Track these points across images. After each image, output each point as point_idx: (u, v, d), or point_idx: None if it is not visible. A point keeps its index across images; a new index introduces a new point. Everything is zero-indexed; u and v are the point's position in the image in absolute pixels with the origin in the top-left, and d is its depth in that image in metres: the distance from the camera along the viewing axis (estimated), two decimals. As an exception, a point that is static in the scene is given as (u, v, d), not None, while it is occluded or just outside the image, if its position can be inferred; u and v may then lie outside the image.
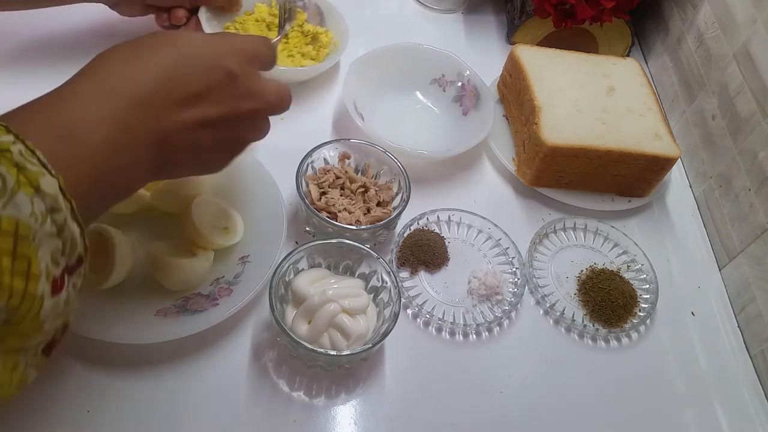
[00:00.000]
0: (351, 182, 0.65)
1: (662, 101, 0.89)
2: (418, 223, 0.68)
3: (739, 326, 0.69)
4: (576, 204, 0.74)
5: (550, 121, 0.71)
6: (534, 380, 0.61)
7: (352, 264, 0.60)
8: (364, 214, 0.63)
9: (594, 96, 0.76)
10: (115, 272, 0.52)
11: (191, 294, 0.57)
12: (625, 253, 0.71)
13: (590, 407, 0.60)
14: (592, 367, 0.63)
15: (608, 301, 0.65)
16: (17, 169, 0.32)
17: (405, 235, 0.66)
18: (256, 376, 0.55)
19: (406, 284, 0.64)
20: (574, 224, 0.72)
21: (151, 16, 0.72)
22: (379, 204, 0.65)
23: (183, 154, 0.45)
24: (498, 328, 0.63)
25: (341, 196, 0.64)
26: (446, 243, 0.67)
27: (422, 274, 0.65)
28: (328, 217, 0.61)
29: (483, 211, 0.69)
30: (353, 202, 0.64)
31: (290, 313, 0.56)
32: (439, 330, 0.62)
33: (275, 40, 0.55)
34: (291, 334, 0.52)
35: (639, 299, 0.67)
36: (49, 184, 0.34)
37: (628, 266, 0.70)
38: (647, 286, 0.68)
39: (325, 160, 0.67)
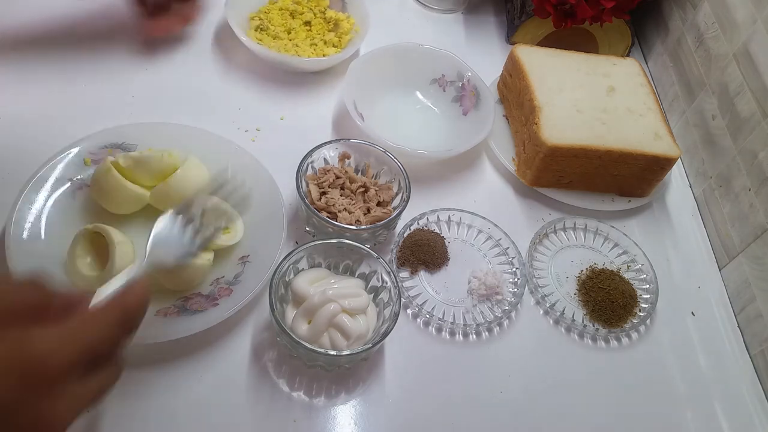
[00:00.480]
0: (351, 182, 0.65)
1: (662, 101, 0.89)
2: (418, 223, 0.68)
3: (739, 326, 0.69)
4: (576, 204, 0.74)
5: (550, 121, 0.71)
6: (534, 380, 0.61)
7: (352, 264, 0.60)
8: (364, 214, 0.63)
9: (594, 96, 0.76)
10: (115, 272, 0.52)
11: (191, 294, 0.57)
12: (625, 253, 0.71)
13: (590, 407, 0.60)
14: (592, 367, 0.63)
15: (608, 301, 0.65)
16: None
17: (405, 235, 0.66)
18: (256, 376, 0.55)
19: (406, 284, 0.64)
20: (574, 224, 0.72)
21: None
22: (379, 204, 0.65)
23: None
24: (498, 328, 0.63)
25: (341, 196, 0.64)
26: (446, 243, 0.67)
27: (422, 274, 0.65)
28: (328, 217, 0.61)
29: (483, 211, 0.69)
30: (353, 202, 0.64)
31: (290, 313, 0.56)
32: (439, 330, 0.62)
33: (112, 288, 0.42)
34: (291, 334, 0.52)
35: (639, 299, 0.67)
36: None
37: (628, 266, 0.70)
38: (647, 286, 0.68)
39: (325, 160, 0.67)
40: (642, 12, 0.95)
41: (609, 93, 0.76)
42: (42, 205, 0.58)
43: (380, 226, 0.62)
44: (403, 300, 0.61)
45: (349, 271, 0.60)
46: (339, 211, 0.62)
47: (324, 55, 0.79)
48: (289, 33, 0.81)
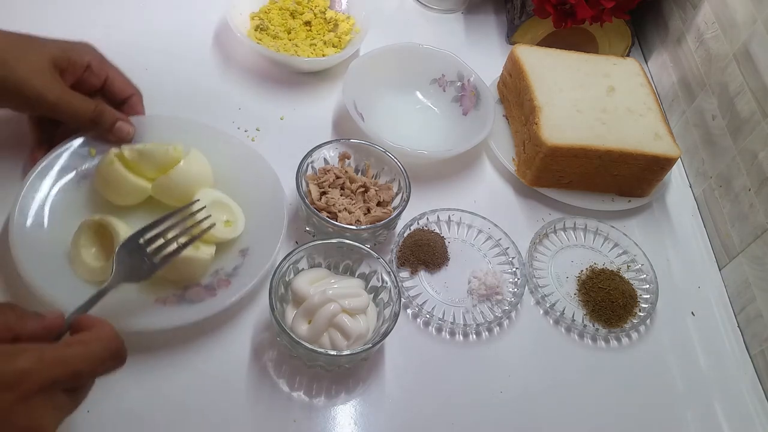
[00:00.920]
0: (351, 182, 0.65)
1: (662, 101, 0.89)
2: (418, 223, 0.68)
3: (739, 326, 0.69)
4: (576, 204, 0.74)
5: (550, 121, 0.71)
6: (534, 380, 0.61)
7: (352, 264, 0.60)
8: (364, 214, 0.63)
9: (594, 96, 0.76)
10: None
11: (191, 285, 0.57)
12: (625, 253, 0.71)
13: (590, 407, 0.60)
14: (592, 367, 0.63)
15: (608, 301, 0.65)
16: None
17: (405, 235, 0.66)
18: (256, 376, 0.55)
19: (406, 284, 0.64)
20: (574, 224, 0.72)
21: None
22: (379, 204, 0.65)
23: None
24: (498, 328, 0.63)
25: (341, 196, 0.64)
26: (446, 243, 0.67)
27: (422, 274, 0.65)
28: (328, 217, 0.61)
29: (483, 211, 0.69)
30: (353, 202, 0.64)
31: (290, 313, 0.56)
32: (439, 330, 0.62)
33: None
34: (291, 334, 0.52)
35: (639, 299, 0.67)
36: None
37: (628, 266, 0.70)
38: (647, 286, 0.68)
39: (325, 160, 0.67)
40: (642, 12, 0.95)
41: (609, 93, 0.76)
42: (46, 193, 0.59)
43: (380, 226, 0.62)
44: (403, 300, 0.61)
45: (349, 271, 0.60)
46: (339, 211, 0.62)
47: (324, 55, 0.79)
48: (289, 33, 0.81)
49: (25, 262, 0.53)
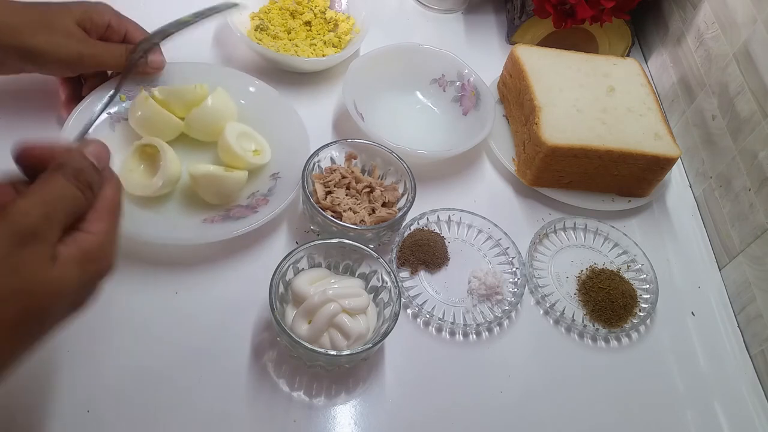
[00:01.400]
0: (357, 182, 0.65)
1: (662, 101, 0.89)
2: (418, 223, 0.68)
3: (739, 326, 0.69)
4: (576, 204, 0.74)
5: (550, 121, 0.71)
6: (534, 380, 0.61)
7: (352, 264, 0.60)
8: (369, 214, 0.63)
9: (594, 96, 0.76)
10: (167, 176, 0.60)
11: (232, 206, 0.63)
12: (625, 253, 0.71)
13: (590, 407, 0.60)
14: (592, 367, 0.63)
15: (608, 301, 0.65)
16: None
17: (405, 235, 0.66)
18: (256, 376, 0.55)
19: (406, 284, 0.64)
20: (574, 224, 0.72)
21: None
22: (384, 205, 0.65)
23: None
24: (498, 328, 0.63)
25: (347, 195, 0.64)
26: (446, 243, 0.67)
27: (422, 274, 0.65)
28: (333, 217, 0.61)
29: (483, 211, 0.69)
30: (358, 201, 0.64)
31: (290, 312, 0.56)
32: (439, 330, 0.62)
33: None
34: (291, 334, 0.52)
35: (639, 299, 0.67)
36: None
37: (628, 266, 0.70)
38: (647, 286, 0.68)
39: (331, 159, 0.67)
40: (642, 12, 0.95)
41: (609, 93, 0.76)
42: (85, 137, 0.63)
43: (385, 226, 0.62)
44: (403, 300, 0.61)
45: (350, 271, 0.60)
46: (344, 211, 0.62)
47: (324, 55, 0.79)
48: (289, 33, 0.81)
49: None
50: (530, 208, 0.74)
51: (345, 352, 0.52)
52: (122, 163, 0.62)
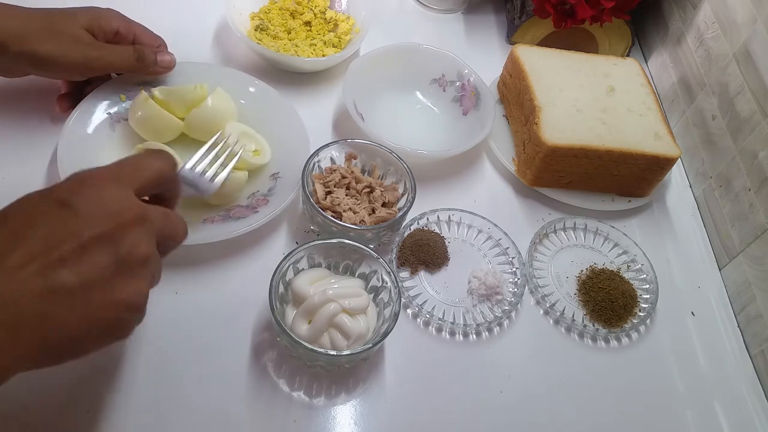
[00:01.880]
0: (357, 182, 0.65)
1: (662, 101, 0.89)
2: (418, 223, 0.68)
3: (739, 326, 0.69)
4: (576, 204, 0.74)
5: (550, 121, 0.71)
6: (534, 380, 0.61)
7: (352, 264, 0.59)
8: (369, 215, 0.63)
9: (594, 96, 0.76)
10: None
11: (233, 206, 0.64)
12: (625, 253, 0.71)
13: (590, 407, 0.60)
14: (592, 367, 0.63)
15: (608, 301, 0.65)
16: None
17: (405, 235, 0.66)
18: (256, 376, 0.55)
19: (406, 284, 0.64)
20: (574, 224, 0.72)
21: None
22: (384, 205, 0.65)
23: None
24: (498, 328, 0.63)
25: (347, 195, 0.64)
26: (446, 243, 0.67)
27: (422, 274, 0.65)
28: (333, 217, 0.61)
29: (483, 211, 0.69)
30: (358, 202, 0.64)
31: (290, 313, 0.56)
32: (439, 330, 0.62)
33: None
34: (291, 334, 0.52)
35: (639, 299, 0.67)
36: None
37: (628, 266, 0.70)
38: (647, 286, 0.68)
39: (331, 159, 0.67)
40: (642, 12, 0.95)
41: (609, 93, 0.76)
42: (84, 137, 0.64)
43: (385, 226, 0.62)
44: (403, 300, 0.61)
45: (350, 271, 0.60)
46: (344, 211, 0.62)
47: (324, 55, 0.79)
48: (289, 33, 0.81)
49: None
50: (530, 208, 0.74)
51: (345, 352, 0.52)
52: None
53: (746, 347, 0.67)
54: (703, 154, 0.79)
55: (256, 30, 0.80)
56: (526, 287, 0.66)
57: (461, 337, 0.62)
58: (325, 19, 0.83)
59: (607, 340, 0.65)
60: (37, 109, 0.67)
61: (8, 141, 0.65)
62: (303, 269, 0.58)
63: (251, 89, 0.72)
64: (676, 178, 0.82)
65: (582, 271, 0.69)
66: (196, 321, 0.58)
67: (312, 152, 0.65)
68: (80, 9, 0.64)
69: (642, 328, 0.66)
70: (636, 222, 0.76)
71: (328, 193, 0.64)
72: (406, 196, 0.65)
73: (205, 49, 0.80)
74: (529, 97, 0.74)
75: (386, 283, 0.58)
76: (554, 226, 0.71)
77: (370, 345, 0.53)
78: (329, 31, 0.83)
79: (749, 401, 0.64)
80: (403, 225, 0.66)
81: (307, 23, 0.83)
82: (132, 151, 0.64)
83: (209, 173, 0.58)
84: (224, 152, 0.60)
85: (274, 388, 0.55)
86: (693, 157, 0.81)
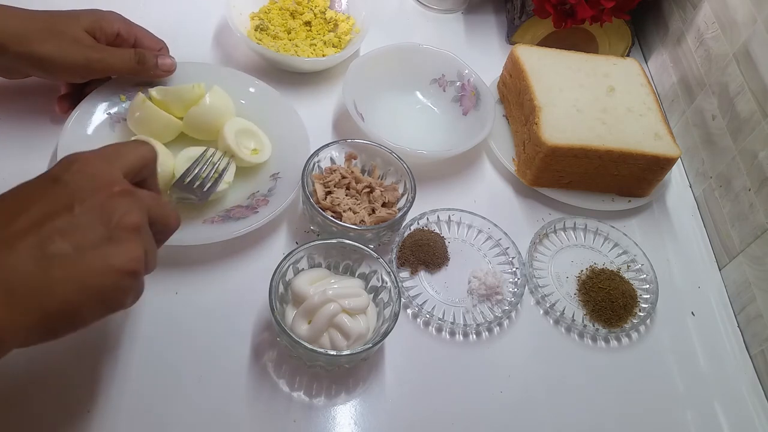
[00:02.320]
0: (357, 182, 0.65)
1: (662, 101, 0.89)
2: (418, 223, 0.68)
3: (739, 326, 0.69)
4: (576, 204, 0.74)
5: (550, 121, 0.71)
6: (534, 380, 0.61)
7: (352, 264, 0.60)
8: (369, 215, 0.63)
9: (594, 96, 0.76)
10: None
11: (233, 207, 0.63)
12: (625, 253, 0.71)
13: (590, 407, 0.60)
14: (592, 367, 0.63)
15: (608, 301, 0.65)
16: None
17: (405, 235, 0.66)
18: (256, 376, 0.55)
19: (406, 284, 0.64)
20: (574, 224, 0.72)
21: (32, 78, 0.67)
22: (384, 205, 0.65)
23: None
24: (498, 328, 0.63)
25: (346, 195, 0.64)
26: (446, 243, 0.67)
27: (422, 274, 0.65)
28: (333, 217, 0.61)
29: (483, 211, 0.69)
30: (358, 202, 0.64)
31: (290, 313, 0.56)
32: (439, 330, 0.62)
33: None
34: (291, 334, 0.52)
35: (639, 299, 0.67)
36: None
37: (628, 266, 0.70)
38: (647, 286, 0.68)
39: (331, 159, 0.67)
40: (642, 12, 0.95)
41: (609, 93, 0.76)
42: (84, 137, 0.64)
43: (384, 226, 0.62)
44: (403, 300, 0.61)
45: (349, 271, 0.60)
46: (344, 211, 0.62)
47: (324, 55, 0.79)
48: (289, 33, 0.81)
49: None
50: (530, 208, 0.74)
51: (345, 352, 0.52)
52: None
53: (746, 347, 0.67)
54: (703, 154, 0.79)
55: (256, 30, 0.80)
56: (526, 287, 0.66)
57: (461, 337, 0.62)
58: (325, 19, 0.83)
59: (607, 340, 0.65)
60: (37, 109, 0.67)
61: (8, 141, 0.65)
62: (303, 269, 0.58)
63: (251, 89, 0.72)
64: (676, 178, 0.82)
65: (582, 271, 0.69)
66: (196, 321, 0.58)
67: (312, 152, 0.65)
68: (82, 11, 0.64)
69: (642, 328, 0.66)
70: (636, 222, 0.76)
71: (328, 193, 0.64)
72: (406, 196, 0.65)
73: (205, 49, 0.80)
74: (529, 97, 0.74)
75: (386, 283, 0.58)
76: (554, 226, 0.71)
77: (370, 345, 0.53)
78: (329, 31, 0.83)
79: (749, 401, 0.64)
80: (403, 225, 0.66)
81: (307, 23, 0.83)
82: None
83: (205, 183, 0.61)
84: (213, 167, 0.63)
85: (274, 388, 0.55)
86: (693, 157, 0.81)
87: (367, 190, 0.65)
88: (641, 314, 0.66)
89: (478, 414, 0.57)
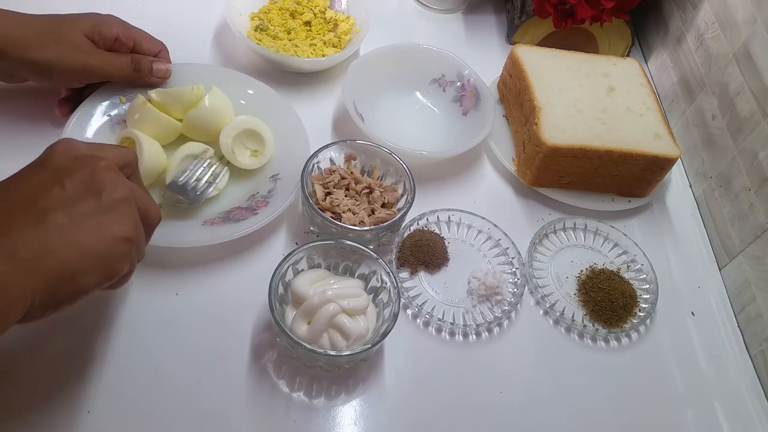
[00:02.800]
0: (356, 183, 0.65)
1: (662, 101, 0.89)
2: (418, 224, 0.68)
3: (739, 326, 0.69)
4: (576, 204, 0.74)
5: (550, 121, 0.71)
6: (534, 380, 0.61)
7: (351, 264, 0.60)
8: (369, 215, 0.63)
9: (594, 96, 0.76)
10: (143, 167, 0.58)
11: (232, 208, 0.64)
12: (625, 253, 0.71)
13: (590, 407, 0.60)
14: (592, 367, 0.63)
15: (608, 301, 0.65)
16: None
17: (405, 235, 0.66)
18: (256, 376, 0.55)
19: (406, 284, 0.64)
20: (574, 224, 0.72)
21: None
22: (383, 205, 0.65)
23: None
24: (498, 328, 0.63)
25: (346, 196, 0.64)
26: (446, 243, 0.67)
27: (422, 275, 0.65)
28: (333, 218, 0.61)
29: (483, 211, 0.69)
30: (358, 203, 0.64)
31: (290, 313, 0.56)
32: (439, 330, 0.62)
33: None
34: (291, 334, 0.52)
35: (639, 299, 0.67)
36: None
37: (628, 266, 0.70)
38: (647, 286, 0.68)
39: (331, 160, 0.67)
40: (642, 12, 0.95)
41: (609, 93, 0.76)
42: (84, 139, 0.63)
43: (384, 227, 0.62)
44: (402, 300, 0.61)
45: (349, 272, 0.60)
46: (343, 212, 0.62)
47: (324, 55, 0.79)
48: (288, 33, 0.81)
49: None
50: (530, 208, 0.74)
51: (344, 353, 0.52)
52: None
53: (746, 347, 0.67)
54: (703, 154, 0.79)
55: (255, 30, 0.80)
56: (526, 287, 0.66)
57: (461, 338, 0.62)
58: (325, 19, 0.83)
59: (607, 340, 0.65)
60: (37, 112, 0.67)
61: (8, 145, 0.65)
62: (302, 270, 0.58)
63: (250, 91, 0.72)
64: (676, 178, 0.82)
65: (582, 271, 0.69)
66: (196, 322, 0.58)
67: (311, 153, 0.65)
68: (81, 15, 0.64)
69: (642, 328, 0.66)
70: (636, 222, 0.76)
71: (328, 194, 0.64)
72: (405, 196, 0.65)
73: (205, 49, 0.80)
74: (529, 97, 0.74)
75: (386, 284, 0.58)
76: (554, 226, 0.71)
77: (370, 345, 0.53)
78: (329, 31, 0.83)
79: (749, 401, 0.64)
80: (403, 225, 0.66)
81: (307, 23, 0.83)
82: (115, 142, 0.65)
83: (198, 187, 0.63)
84: (210, 170, 0.64)
85: (274, 389, 0.55)
86: (693, 157, 0.81)
87: (367, 190, 0.65)
88: (641, 314, 0.66)
89: (478, 414, 0.57)
